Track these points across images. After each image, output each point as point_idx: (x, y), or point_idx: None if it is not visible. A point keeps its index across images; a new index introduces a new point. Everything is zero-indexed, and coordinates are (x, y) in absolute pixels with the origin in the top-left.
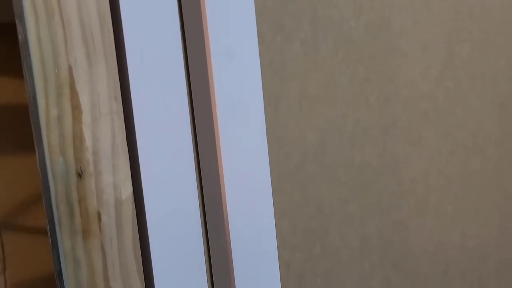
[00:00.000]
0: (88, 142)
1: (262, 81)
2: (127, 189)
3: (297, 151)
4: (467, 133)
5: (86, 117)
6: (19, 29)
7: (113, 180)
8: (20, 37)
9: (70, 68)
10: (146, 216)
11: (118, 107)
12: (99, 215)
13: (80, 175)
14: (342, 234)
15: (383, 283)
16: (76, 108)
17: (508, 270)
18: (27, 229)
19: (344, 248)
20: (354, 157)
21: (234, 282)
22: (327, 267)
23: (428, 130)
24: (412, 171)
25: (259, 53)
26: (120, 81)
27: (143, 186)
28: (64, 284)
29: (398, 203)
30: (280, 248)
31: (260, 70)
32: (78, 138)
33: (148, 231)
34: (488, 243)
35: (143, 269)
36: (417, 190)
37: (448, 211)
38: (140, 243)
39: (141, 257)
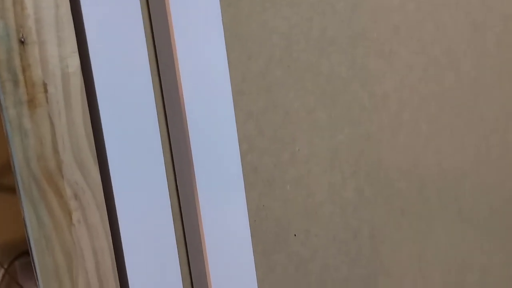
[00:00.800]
0: (30, 9)
1: None
2: (74, 62)
3: (262, 54)
4: (440, 49)
5: None
6: None
7: (58, 52)
8: None
9: None
10: (96, 91)
11: None
12: (45, 85)
13: (22, 42)
14: (311, 143)
15: (356, 195)
16: None
17: (485, 191)
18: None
19: (313, 157)
20: (322, 65)
21: (196, 182)
22: (297, 175)
23: (399, 45)
24: (384, 85)
25: None
26: None
27: (91, 61)
28: (13, 154)
29: (369, 116)
30: (247, 152)
31: None
32: (18, 4)
33: (99, 107)
34: (464, 164)
35: (96, 144)
36: (390, 105)
37: (423, 129)
38: (91, 120)
39: (92, 132)
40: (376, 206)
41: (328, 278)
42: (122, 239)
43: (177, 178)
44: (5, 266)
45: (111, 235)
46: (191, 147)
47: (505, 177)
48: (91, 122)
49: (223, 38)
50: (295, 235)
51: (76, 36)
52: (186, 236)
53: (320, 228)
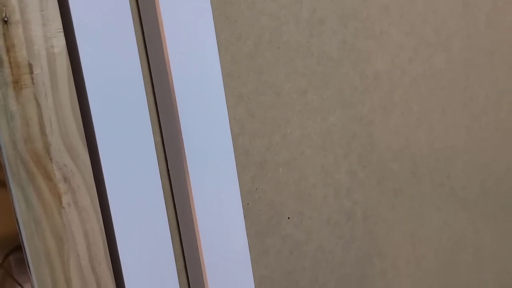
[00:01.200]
0: None
1: None
2: (60, 42)
3: (251, 35)
4: (430, 29)
5: None
6: None
7: (43, 31)
8: None
9: None
10: (83, 71)
11: None
12: (30, 66)
13: (5, 21)
14: (303, 125)
15: (349, 177)
16: None
17: (477, 170)
18: None
19: (305, 139)
20: (312, 46)
21: (187, 164)
22: (289, 158)
23: (389, 25)
24: (374, 66)
25: None
26: None
27: (77, 40)
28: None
29: (361, 98)
30: (238, 135)
31: None
32: None
33: (86, 87)
34: (456, 143)
35: (84, 126)
36: (381, 86)
37: (414, 109)
38: (79, 101)
39: (80, 113)
40: (369, 187)
41: (322, 260)
42: (113, 222)
43: (168, 161)
44: (0, 261)
45: (102, 218)
46: (182, 129)
47: (496, 156)
48: (79, 103)
49: (212, 18)
50: (288, 218)
51: (61, 15)
52: (178, 219)
53: (313, 211)
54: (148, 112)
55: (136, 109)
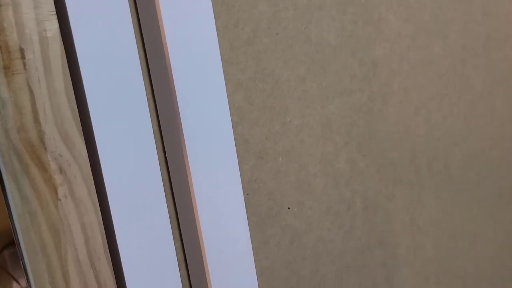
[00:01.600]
0: None
1: None
2: (53, 25)
3: (249, 21)
4: (428, 16)
5: None
6: None
7: (35, 14)
8: None
9: None
10: (77, 56)
11: None
12: (22, 51)
13: None
14: (302, 114)
15: (348, 166)
16: None
17: (474, 158)
18: None
19: (305, 128)
20: (310, 32)
21: (187, 153)
22: (288, 146)
23: (387, 11)
24: (373, 53)
25: None
26: None
27: (71, 24)
28: None
29: (360, 85)
30: (237, 123)
31: None
32: None
33: (81, 73)
34: (454, 132)
35: (80, 114)
36: (380, 74)
37: (413, 97)
38: (74, 87)
39: (75, 100)
40: (368, 176)
41: (323, 250)
42: (112, 214)
43: (166, 151)
44: None
45: (100, 210)
46: (181, 117)
47: (493, 144)
48: (74, 89)
49: (211, 3)
50: (288, 208)
51: None
52: (178, 211)
53: (313, 200)
54: (146, 101)
55: (133, 97)
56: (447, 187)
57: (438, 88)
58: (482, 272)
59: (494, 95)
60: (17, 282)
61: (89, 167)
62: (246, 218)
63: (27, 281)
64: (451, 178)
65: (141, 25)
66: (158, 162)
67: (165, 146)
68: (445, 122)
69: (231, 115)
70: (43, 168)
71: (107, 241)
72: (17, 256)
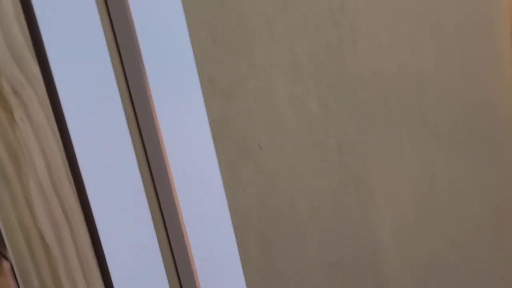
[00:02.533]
0: None
1: None
2: None
3: None
4: None
5: None
6: None
7: None
8: None
9: None
10: None
11: None
12: None
13: None
14: (269, 53)
15: (321, 108)
16: None
17: (448, 98)
18: None
19: (274, 68)
20: None
21: (151, 91)
22: (258, 86)
23: None
24: None
25: None
26: None
27: None
28: None
29: (326, 26)
30: (202, 60)
31: None
32: None
33: None
34: (426, 71)
35: (32, 37)
36: (347, 13)
37: (382, 39)
38: (24, 9)
39: (25, 21)
40: (340, 116)
41: (297, 189)
42: (73, 143)
43: (129, 85)
44: None
45: (62, 139)
46: (141, 50)
47: (467, 83)
48: (24, 12)
49: None
50: (260, 147)
51: None
52: (147, 150)
53: (286, 140)
54: (103, 34)
55: (90, 27)
56: (422, 131)
57: (407, 28)
58: (462, 218)
59: (465, 32)
60: None
61: (45, 90)
62: (216, 158)
63: None
64: (425, 120)
65: None
66: (120, 97)
67: (128, 82)
68: (417, 60)
69: (196, 53)
70: None
71: (71, 169)
72: None
